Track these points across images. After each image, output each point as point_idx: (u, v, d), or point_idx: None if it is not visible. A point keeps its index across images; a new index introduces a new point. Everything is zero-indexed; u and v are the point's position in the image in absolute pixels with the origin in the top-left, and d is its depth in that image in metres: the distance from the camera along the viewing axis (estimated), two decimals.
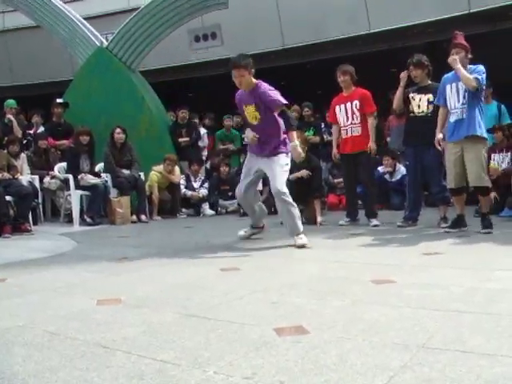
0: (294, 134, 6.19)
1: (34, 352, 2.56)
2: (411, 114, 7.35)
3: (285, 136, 6.26)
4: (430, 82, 7.31)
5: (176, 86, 16.57)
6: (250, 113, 6.30)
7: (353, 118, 7.78)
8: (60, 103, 11.32)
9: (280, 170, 6.14)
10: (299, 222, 6.14)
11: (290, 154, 6.26)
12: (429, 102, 7.20)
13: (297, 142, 6.18)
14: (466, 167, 6.46)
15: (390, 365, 2.23)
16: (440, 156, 7.16)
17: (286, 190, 6.08)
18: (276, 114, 6.17)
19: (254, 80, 6.20)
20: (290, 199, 6.09)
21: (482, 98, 6.67)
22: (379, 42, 14.34)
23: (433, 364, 2.22)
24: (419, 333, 2.65)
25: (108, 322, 3.04)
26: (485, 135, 6.58)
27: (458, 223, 6.71)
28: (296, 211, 6.14)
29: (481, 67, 6.46)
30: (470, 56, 6.54)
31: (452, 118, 6.58)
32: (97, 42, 11.84)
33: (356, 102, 7.76)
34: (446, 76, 6.76)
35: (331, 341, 2.58)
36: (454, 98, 6.55)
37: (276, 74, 15.85)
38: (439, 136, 6.70)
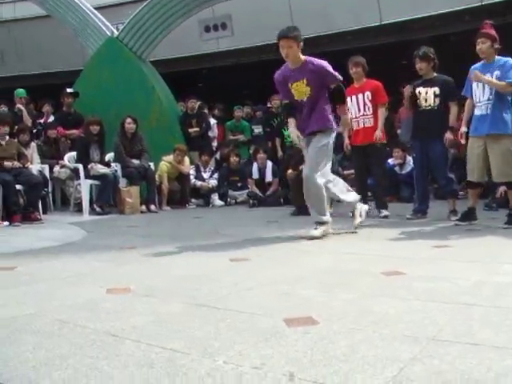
0: (344, 106, 6.22)
1: (44, 340, 2.57)
2: (419, 108, 7.33)
3: (331, 114, 6.05)
4: (435, 74, 7.27)
5: (186, 76, 16.54)
6: (300, 89, 5.99)
7: (364, 109, 7.76)
8: (70, 93, 11.34)
9: (314, 153, 5.92)
10: (326, 207, 6.00)
11: (335, 131, 6.13)
12: (435, 95, 7.17)
13: (348, 115, 6.15)
14: (491, 162, 6.38)
15: (400, 357, 2.23)
16: (446, 149, 7.16)
17: (315, 173, 5.83)
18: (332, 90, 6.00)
19: (302, 55, 6.00)
20: (319, 181, 5.85)
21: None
22: (390, 34, 14.26)
23: (443, 356, 2.21)
24: (429, 325, 2.64)
25: (117, 311, 3.05)
26: (510, 131, 6.39)
27: (469, 216, 6.66)
28: (324, 195, 5.93)
29: (510, 63, 6.34)
30: (496, 46, 6.43)
31: (476, 112, 6.51)
32: (107, 32, 11.84)
33: (368, 93, 7.74)
34: (474, 67, 6.59)
35: (341, 332, 2.58)
36: (480, 92, 6.47)
37: None
38: (463, 129, 6.66)
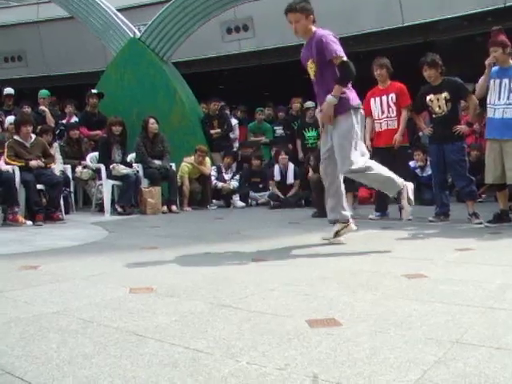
0: (339, 87, 5.22)
1: (68, 338, 2.59)
2: (433, 116, 7.32)
3: (345, 92, 5.31)
4: (442, 79, 7.23)
5: (207, 77, 16.59)
6: (310, 67, 5.42)
7: (388, 112, 7.73)
8: (95, 94, 11.38)
9: (340, 145, 5.32)
10: (393, 178, 5.38)
11: (353, 112, 5.37)
12: (446, 101, 7.14)
13: (333, 98, 5.18)
14: (505, 164, 6.40)
15: (424, 359, 2.22)
16: (463, 151, 7.14)
17: (349, 165, 5.24)
18: (336, 69, 5.22)
19: (313, 28, 5.37)
20: (360, 166, 5.21)
21: None
22: (412, 36, 14.20)
23: (467, 360, 2.20)
24: (452, 328, 2.63)
25: (140, 311, 3.06)
26: None
27: (501, 218, 6.64)
28: (376, 172, 5.32)
29: None
30: (509, 51, 6.45)
31: (491, 114, 6.53)
32: (130, 33, 11.89)
33: (392, 95, 7.72)
34: (493, 69, 6.63)
35: (364, 334, 2.57)
36: (496, 95, 6.50)
37: None
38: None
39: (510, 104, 6.40)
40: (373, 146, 7.96)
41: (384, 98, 7.78)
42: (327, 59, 5.22)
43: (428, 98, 7.24)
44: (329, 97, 5.22)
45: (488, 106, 6.58)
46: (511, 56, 6.49)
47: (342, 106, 5.32)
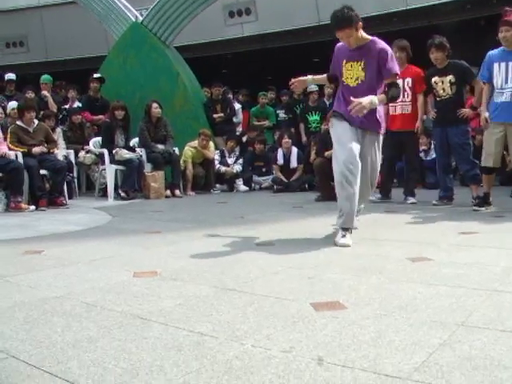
0: (384, 98, 4.87)
1: (73, 322, 2.59)
2: (437, 99, 7.29)
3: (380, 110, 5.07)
4: (447, 61, 7.18)
5: (210, 61, 16.55)
6: (353, 71, 5.00)
7: (404, 96, 7.60)
8: (96, 78, 11.34)
9: (375, 168, 5.20)
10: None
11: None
12: (451, 84, 7.11)
13: (377, 101, 4.72)
14: (509, 149, 6.39)
15: (429, 342, 2.22)
16: (467, 134, 7.11)
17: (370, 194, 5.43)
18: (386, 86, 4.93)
19: (365, 35, 5.05)
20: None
21: None
22: (416, 19, 14.12)
23: (472, 342, 2.20)
24: (457, 311, 2.63)
25: (144, 294, 3.06)
26: None
27: (485, 201, 6.65)
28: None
29: None
30: None
31: (497, 98, 6.46)
32: (132, 18, 11.83)
33: (408, 80, 7.63)
34: (492, 53, 6.59)
35: (369, 317, 2.57)
36: (502, 78, 6.42)
37: (311, 50, 15.79)
38: (485, 114, 6.57)
39: None
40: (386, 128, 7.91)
41: (399, 81, 7.69)
42: (385, 74, 4.89)
43: (433, 80, 7.21)
44: (374, 97, 4.71)
45: (496, 90, 6.51)
46: None
47: (382, 127, 5.16)
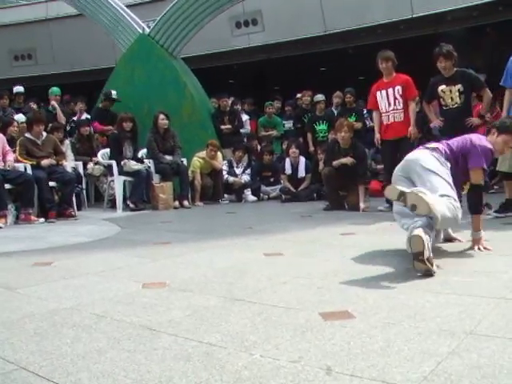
0: None
1: (82, 334, 2.60)
2: (444, 108, 7.25)
3: None
4: (454, 70, 7.18)
5: (217, 72, 16.60)
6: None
7: (395, 104, 7.69)
8: (112, 98, 11.30)
9: None
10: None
11: None
12: (460, 93, 7.08)
13: None
14: None
15: (438, 351, 2.22)
16: None
17: None
18: None
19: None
20: None
21: None
22: (422, 27, 14.14)
23: (481, 351, 2.20)
24: (466, 319, 2.62)
25: (153, 305, 3.07)
26: None
27: (507, 207, 6.61)
28: None
29: None
30: None
31: None
32: (139, 29, 11.88)
33: (398, 88, 7.68)
34: None
35: (377, 326, 2.57)
36: None
37: (317, 59, 15.84)
38: None
39: None
40: (381, 138, 7.94)
41: (390, 90, 7.74)
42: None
43: (440, 88, 7.18)
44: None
45: None
46: None
47: None
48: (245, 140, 12.52)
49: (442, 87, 7.17)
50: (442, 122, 7.30)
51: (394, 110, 7.73)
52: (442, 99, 7.21)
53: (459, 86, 7.06)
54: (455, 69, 7.15)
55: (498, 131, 4.58)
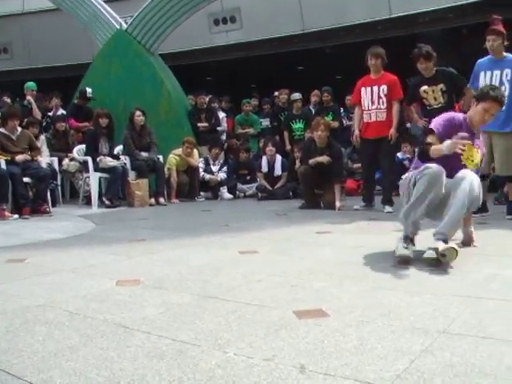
0: None
1: (55, 331, 2.58)
2: (428, 108, 7.23)
3: None
4: (434, 69, 7.21)
5: (195, 69, 16.55)
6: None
7: (379, 103, 7.64)
8: (88, 97, 11.21)
9: None
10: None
11: None
12: (443, 92, 7.11)
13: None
14: (495, 156, 6.44)
15: (411, 349, 2.23)
16: None
17: None
18: None
19: None
20: None
21: None
22: (400, 28, 14.20)
23: (454, 349, 2.22)
24: (439, 318, 2.64)
25: (127, 303, 3.06)
26: None
27: (481, 208, 6.69)
28: None
29: None
30: (506, 43, 6.46)
31: None
32: (116, 25, 11.81)
33: (384, 87, 7.62)
34: (480, 61, 6.67)
35: (351, 324, 2.58)
36: None
37: (295, 57, 15.85)
38: None
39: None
40: (361, 136, 7.92)
41: (375, 88, 7.69)
42: None
43: (422, 89, 7.19)
44: None
45: None
46: (504, 49, 6.49)
47: None
48: (223, 138, 12.51)
49: (424, 88, 7.18)
50: (426, 122, 7.30)
51: (376, 108, 7.67)
52: (425, 100, 7.20)
53: (441, 86, 7.07)
54: (435, 69, 7.17)
55: (477, 100, 4.57)
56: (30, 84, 11.52)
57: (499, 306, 2.85)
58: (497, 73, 6.43)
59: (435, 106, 7.13)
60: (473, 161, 4.33)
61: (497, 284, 3.34)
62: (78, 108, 11.23)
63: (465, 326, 2.51)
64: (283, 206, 8.99)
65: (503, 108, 6.33)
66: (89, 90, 11.16)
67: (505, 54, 6.49)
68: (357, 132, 7.93)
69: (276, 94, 13.04)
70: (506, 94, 6.38)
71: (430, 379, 1.94)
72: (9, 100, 11.08)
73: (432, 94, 7.12)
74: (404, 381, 1.94)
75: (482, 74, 6.56)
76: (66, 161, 10.13)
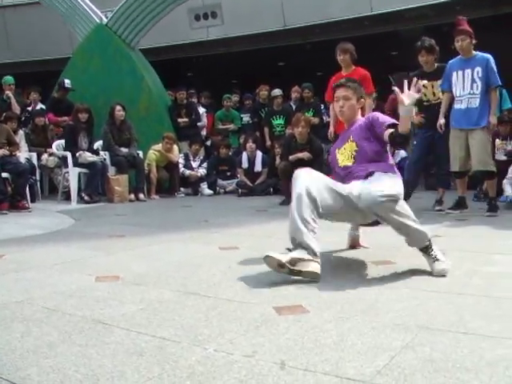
0: None
1: (33, 328, 2.55)
2: (426, 103, 7.24)
3: None
4: (436, 65, 7.24)
5: (175, 64, 16.49)
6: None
7: None
8: (68, 88, 11.14)
9: None
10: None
11: None
12: None
13: None
14: (471, 152, 6.53)
15: (391, 345, 2.23)
16: None
17: None
18: None
19: None
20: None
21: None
22: (381, 24, 14.23)
23: (434, 345, 2.22)
24: (420, 314, 2.65)
25: (106, 299, 3.03)
26: (486, 123, 6.58)
27: (460, 205, 6.79)
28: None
29: (491, 62, 6.49)
30: (474, 41, 6.55)
31: (457, 105, 6.68)
32: (96, 19, 11.74)
33: None
34: (451, 62, 6.78)
35: (331, 320, 2.58)
36: (460, 86, 6.64)
37: (276, 54, 15.84)
38: (442, 121, 6.73)
39: (473, 94, 6.55)
40: (335, 132, 7.91)
41: None
42: None
43: (422, 83, 7.18)
44: None
45: (455, 98, 6.68)
46: (473, 47, 6.58)
47: None
48: (203, 133, 12.49)
49: (424, 82, 7.18)
50: (422, 118, 7.30)
51: None
52: (423, 95, 7.22)
53: (440, 82, 7.11)
54: (436, 64, 7.20)
55: None
56: (8, 78, 11.40)
57: (480, 301, 2.86)
58: (468, 71, 6.56)
59: (433, 102, 7.17)
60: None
61: (477, 280, 3.35)
62: (57, 102, 11.16)
63: (445, 322, 2.51)
64: (263, 202, 9.00)
65: (477, 106, 6.49)
66: (67, 81, 11.10)
67: (474, 52, 6.60)
68: (332, 129, 7.92)
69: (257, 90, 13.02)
70: (479, 91, 6.48)
71: (410, 375, 1.94)
72: None
73: (431, 89, 7.16)
74: (384, 377, 1.93)
75: (454, 73, 6.69)
76: (44, 156, 10.06)
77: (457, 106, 6.69)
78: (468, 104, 6.56)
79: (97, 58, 11.53)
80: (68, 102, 10.97)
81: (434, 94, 7.16)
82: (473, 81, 6.53)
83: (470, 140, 6.55)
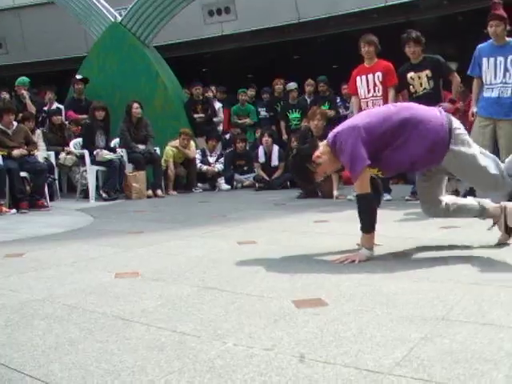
0: None
1: (54, 325, 2.58)
2: (414, 95, 7.21)
3: None
4: (422, 56, 7.21)
5: (190, 61, 16.50)
6: None
7: (374, 91, 7.59)
8: (80, 79, 11.25)
9: None
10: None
11: None
12: (428, 78, 7.11)
13: None
14: (499, 143, 6.36)
15: (410, 337, 2.23)
16: None
17: None
18: None
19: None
20: None
21: None
22: (395, 15, 14.15)
23: (453, 336, 2.21)
24: (438, 305, 2.64)
25: (126, 295, 3.06)
26: None
27: (472, 195, 6.72)
28: None
29: None
30: (508, 28, 6.36)
31: (487, 94, 6.46)
32: (110, 18, 11.78)
33: (379, 74, 7.57)
34: (481, 46, 6.54)
35: (350, 313, 2.58)
36: (491, 74, 6.41)
37: (291, 47, 15.80)
38: (474, 109, 6.61)
39: (506, 83, 6.33)
40: None
41: (370, 76, 7.64)
42: None
43: (409, 75, 7.20)
44: None
45: (485, 85, 6.49)
46: (507, 34, 6.42)
47: None
48: (219, 129, 12.50)
49: (411, 74, 7.18)
50: None
51: (373, 96, 7.63)
52: (411, 86, 7.21)
53: (427, 72, 7.08)
54: (423, 55, 7.17)
55: None
56: (21, 79, 11.46)
57: (499, 292, 2.84)
58: (501, 59, 6.31)
59: (420, 93, 7.13)
60: None
61: (496, 270, 3.34)
62: (76, 101, 11.23)
63: (464, 313, 2.51)
64: (281, 195, 9.00)
65: (509, 95, 6.34)
66: (78, 76, 11.20)
67: (507, 39, 6.36)
68: None
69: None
70: (511, 80, 6.36)
71: (429, 366, 1.94)
72: (8, 96, 11.03)
73: (418, 80, 7.13)
74: (403, 368, 1.93)
75: (484, 60, 6.45)
76: (62, 155, 10.13)
77: (486, 94, 6.47)
78: (500, 93, 6.32)
79: (112, 57, 11.58)
80: (87, 102, 11.02)
81: (420, 84, 7.13)
82: (506, 69, 6.31)
83: (497, 130, 6.38)
